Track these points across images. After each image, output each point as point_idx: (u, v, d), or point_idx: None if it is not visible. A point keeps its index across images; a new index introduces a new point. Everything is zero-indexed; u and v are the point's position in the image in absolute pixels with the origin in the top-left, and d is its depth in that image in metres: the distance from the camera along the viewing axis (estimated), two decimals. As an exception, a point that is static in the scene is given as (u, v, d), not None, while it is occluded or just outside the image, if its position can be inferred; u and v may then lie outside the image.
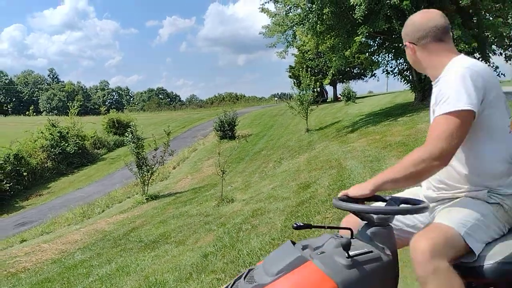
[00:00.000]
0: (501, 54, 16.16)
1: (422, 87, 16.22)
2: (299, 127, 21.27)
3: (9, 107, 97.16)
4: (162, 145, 13.61)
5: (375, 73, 22.46)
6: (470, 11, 14.08)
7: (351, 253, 1.60)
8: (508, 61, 16.02)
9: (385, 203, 1.91)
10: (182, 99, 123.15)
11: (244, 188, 10.76)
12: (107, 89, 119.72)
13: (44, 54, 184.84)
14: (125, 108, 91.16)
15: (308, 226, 1.70)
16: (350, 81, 40.23)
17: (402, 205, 1.86)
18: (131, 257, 6.42)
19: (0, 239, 13.49)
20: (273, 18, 16.84)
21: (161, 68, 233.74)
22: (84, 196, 18.29)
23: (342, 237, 1.74)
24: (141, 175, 13.03)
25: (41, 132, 27.25)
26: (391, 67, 18.30)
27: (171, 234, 7.72)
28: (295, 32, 16.94)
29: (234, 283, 1.76)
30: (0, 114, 78.92)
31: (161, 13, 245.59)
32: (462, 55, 1.94)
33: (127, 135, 13.54)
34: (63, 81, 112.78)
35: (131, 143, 13.16)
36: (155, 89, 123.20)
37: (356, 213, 1.79)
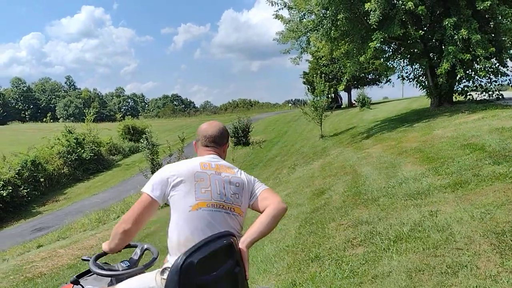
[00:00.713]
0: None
1: (439, 92, 16.02)
2: (313, 133, 21.18)
3: (27, 114, 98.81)
4: (177, 151, 13.69)
5: (390, 79, 22.27)
6: (487, 16, 13.90)
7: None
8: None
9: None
10: (196, 105, 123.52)
11: (258, 194, 10.69)
12: (123, 96, 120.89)
13: (61, 62, 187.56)
14: (140, 115, 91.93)
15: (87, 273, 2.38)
16: (364, 86, 39.82)
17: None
18: (146, 263, 6.42)
19: (18, 244, 13.68)
20: (287, 25, 16.85)
21: (175, 74, 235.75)
22: (99, 202, 18.46)
23: None
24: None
25: (58, 139, 27.66)
26: (407, 72, 18.15)
27: (185, 240, 7.71)
28: (309, 38, 16.92)
29: None
30: (18, 121, 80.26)
31: (176, 21, 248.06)
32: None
33: (142, 141, 13.68)
34: (79, 88, 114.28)
35: (146, 149, 13.28)
36: (170, 96, 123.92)
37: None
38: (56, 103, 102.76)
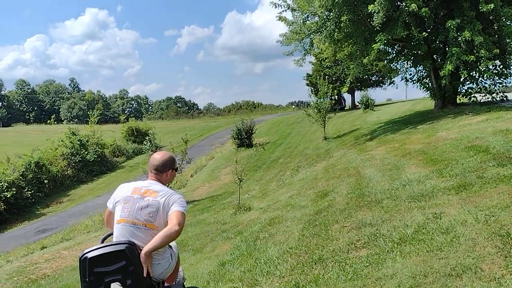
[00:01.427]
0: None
1: (442, 94, 15.98)
2: (317, 135, 21.16)
3: (31, 116, 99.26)
4: (180, 153, 13.69)
5: (393, 81, 22.25)
6: (491, 17, 13.86)
7: None
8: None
9: None
10: (200, 107, 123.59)
11: (261, 196, 10.72)
12: (126, 97, 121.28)
13: (65, 64, 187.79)
14: (144, 117, 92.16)
15: None
16: (368, 88, 39.79)
17: None
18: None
19: (21, 245, 13.71)
20: (291, 27, 16.84)
21: (179, 76, 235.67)
22: (103, 204, 18.38)
23: None
24: (159, 183, 13.07)
25: (62, 140, 27.75)
26: (410, 74, 18.09)
27: (188, 242, 7.73)
28: (312, 40, 16.89)
29: None
30: (22, 122, 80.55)
31: (180, 23, 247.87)
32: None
33: (145, 143, 13.70)
34: (83, 90, 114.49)
35: (149, 151, 13.28)
36: (173, 98, 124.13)
37: None
38: (60, 105, 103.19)
